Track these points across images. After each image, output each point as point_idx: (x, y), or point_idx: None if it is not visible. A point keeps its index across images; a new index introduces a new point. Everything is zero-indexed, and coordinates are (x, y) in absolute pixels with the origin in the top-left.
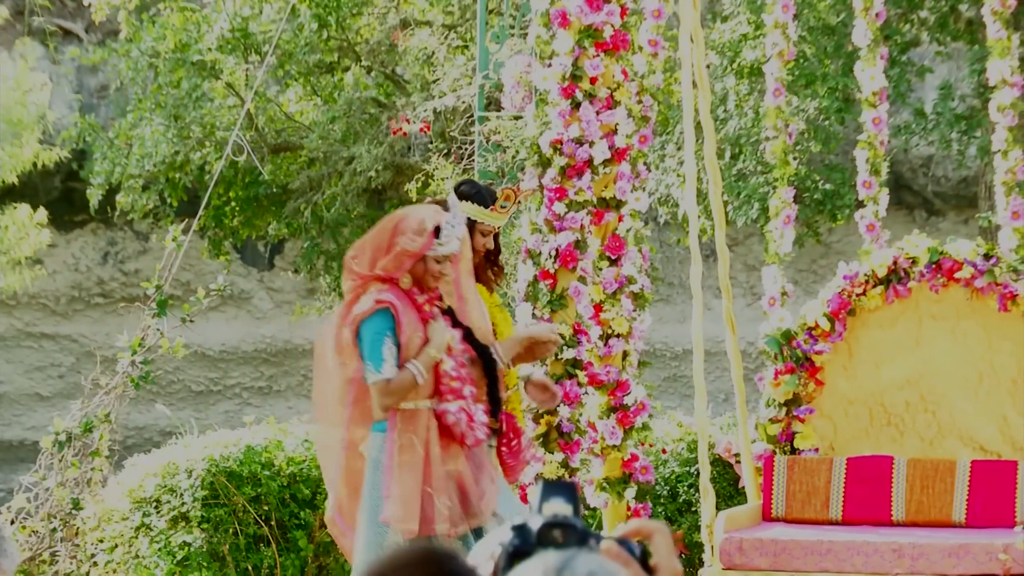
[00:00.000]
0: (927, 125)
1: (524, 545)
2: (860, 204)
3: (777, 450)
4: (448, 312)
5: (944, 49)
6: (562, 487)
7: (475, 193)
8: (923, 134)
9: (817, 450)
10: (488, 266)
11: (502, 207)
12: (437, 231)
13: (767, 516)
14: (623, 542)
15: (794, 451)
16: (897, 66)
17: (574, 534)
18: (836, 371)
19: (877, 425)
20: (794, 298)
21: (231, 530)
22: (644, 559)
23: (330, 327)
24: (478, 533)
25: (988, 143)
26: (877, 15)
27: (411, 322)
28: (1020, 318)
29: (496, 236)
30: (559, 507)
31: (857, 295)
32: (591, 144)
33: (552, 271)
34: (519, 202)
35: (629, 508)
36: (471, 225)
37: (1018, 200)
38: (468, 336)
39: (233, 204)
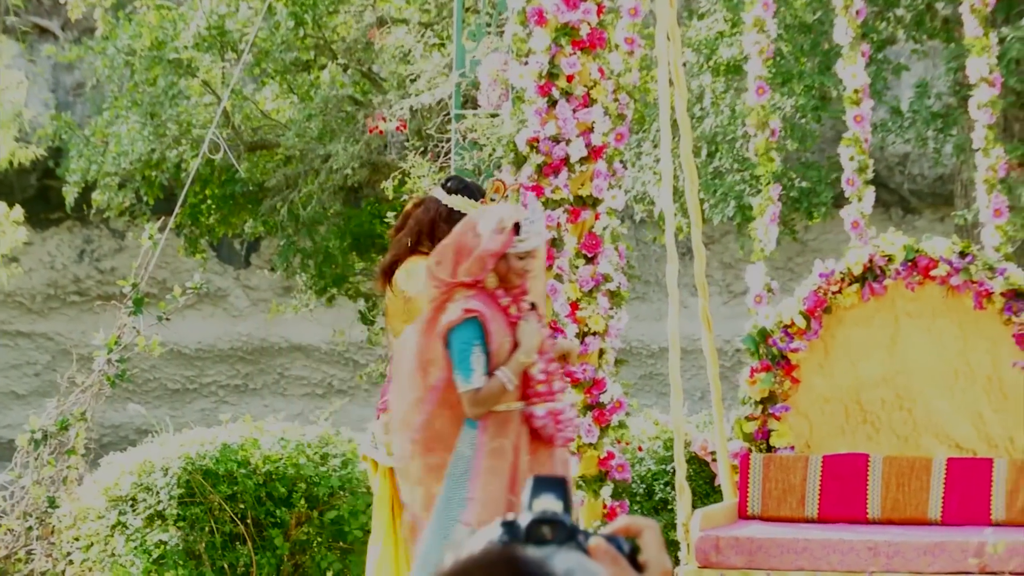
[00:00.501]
0: (903, 123)
1: (512, 542)
2: (838, 202)
3: (753, 448)
4: (533, 307)
5: (920, 47)
6: (553, 483)
7: (463, 188)
8: (899, 132)
9: (793, 448)
10: None
11: (491, 200)
12: (517, 228)
13: (743, 514)
14: (612, 538)
15: (770, 449)
16: (873, 64)
17: (563, 530)
18: (812, 369)
19: (853, 423)
20: (775, 295)
21: (207, 528)
22: (633, 555)
23: (414, 334)
24: None
25: (964, 141)
26: (857, 12)
27: (499, 329)
28: (996, 316)
29: None
30: (549, 503)
31: (833, 293)
32: (567, 142)
33: None
34: (507, 195)
35: (605, 506)
36: (460, 219)
37: (999, 198)
38: None
39: (209, 202)
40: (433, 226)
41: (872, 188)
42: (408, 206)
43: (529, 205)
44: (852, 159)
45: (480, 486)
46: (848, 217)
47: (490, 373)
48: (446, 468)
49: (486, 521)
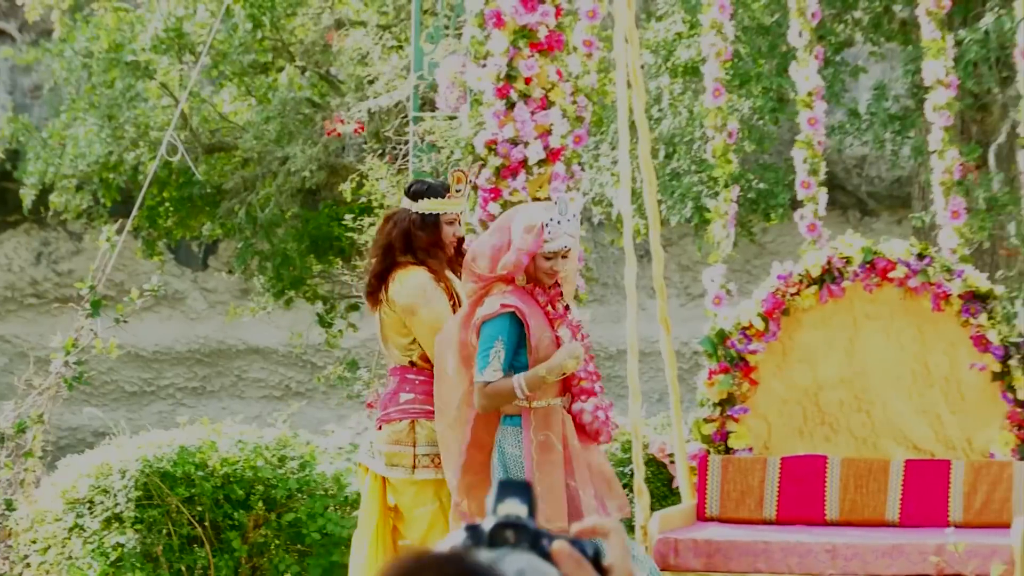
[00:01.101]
0: (861, 125)
1: (476, 546)
2: (795, 204)
3: (711, 450)
4: (568, 309)
5: (878, 49)
6: (517, 487)
7: (426, 189)
8: (857, 134)
9: (751, 450)
10: (459, 256)
11: (457, 191)
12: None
13: (701, 516)
14: (575, 541)
15: (728, 451)
16: (831, 66)
17: (526, 534)
18: (770, 371)
19: (811, 424)
20: (733, 297)
21: (164, 531)
22: (597, 558)
23: (453, 329)
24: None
25: (922, 143)
26: (812, 15)
27: (539, 324)
28: (953, 317)
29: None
30: (514, 507)
31: (791, 295)
32: (525, 144)
33: None
34: (471, 182)
35: None
36: (435, 220)
37: (957, 200)
38: None
39: (167, 204)
40: (407, 236)
41: (825, 190)
42: (379, 223)
43: (559, 205)
44: (806, 161)
45: (537, 480)
46: (803, 220)
47: (530, 366)
48: (490, 466)
49: (553, 514)
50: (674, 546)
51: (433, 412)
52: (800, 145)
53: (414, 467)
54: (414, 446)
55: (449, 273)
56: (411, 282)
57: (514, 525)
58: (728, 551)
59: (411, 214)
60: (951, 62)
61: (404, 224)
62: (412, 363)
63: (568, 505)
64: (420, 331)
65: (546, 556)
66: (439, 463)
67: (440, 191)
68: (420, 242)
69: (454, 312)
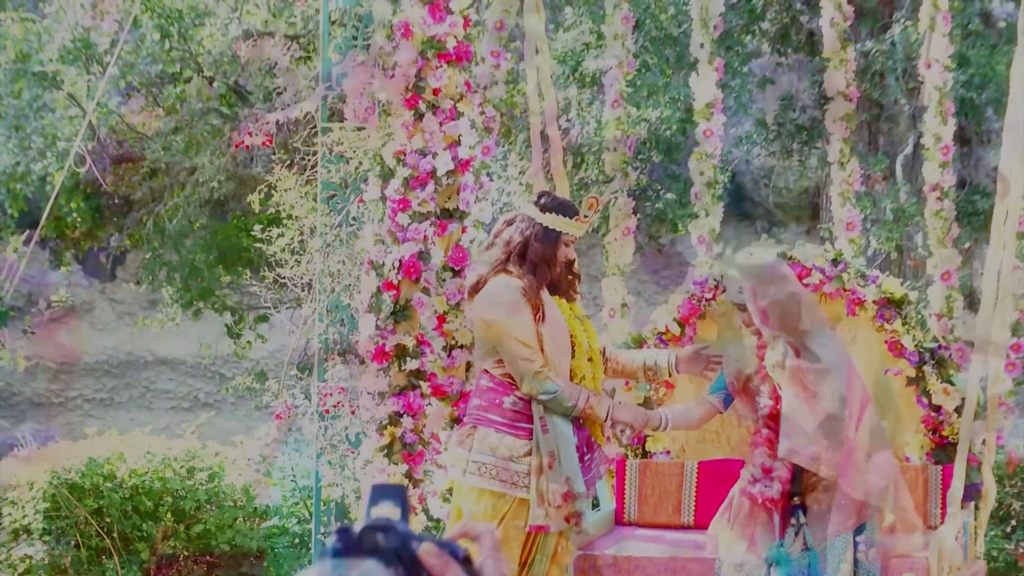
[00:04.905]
0: (768, 135)
1: (345, 548)
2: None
3: (629, 454)
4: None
5: (785, 60)
6: (390, 490)
7: (558, 205)
8: (764, 144)
9: (669, 453)
10: (567, 275)
11: (585, 216)
12: None
13: (620, 520)
14: (445, 544)
15: (646, 455)
16: (739, 77)
17: (396, 537)
18: (686, 375)
19: (728, 428)
20: (635, 309)
21: (73, 542)
22: (468, 561)
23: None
24: None
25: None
26: (714, 27)
27: None
28: (868, 323)
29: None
30: (387, 510)
31: (707, 300)
32: (434, 155)
33: (395, 282)
34: (599, 210)
35: None
36: (556, 237)
37: (853, 211)
38: None
39: (75, 215)
40: (526, 246)
41: (721, 203)
42: (498, 224)
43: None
44: (702, 174)
45: None
46: (695, 231)
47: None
48: None
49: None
50: (593, 563)
51: (494, 421)
52: (697, 156)
53: (464, 471)
54: (469, 451)
55: (544, 293)
56: (497, 294)
57: (383, 528)
58: (647, 567)
59: (535, 224)
60: (852, 74)
61: (527, 233)
62: (486, 370)
63: None
64: (501, 342)
65: (414, 558)
66: (482, 471)
67: (570, 210)
68: (534, 254)
69: (537, 331)
